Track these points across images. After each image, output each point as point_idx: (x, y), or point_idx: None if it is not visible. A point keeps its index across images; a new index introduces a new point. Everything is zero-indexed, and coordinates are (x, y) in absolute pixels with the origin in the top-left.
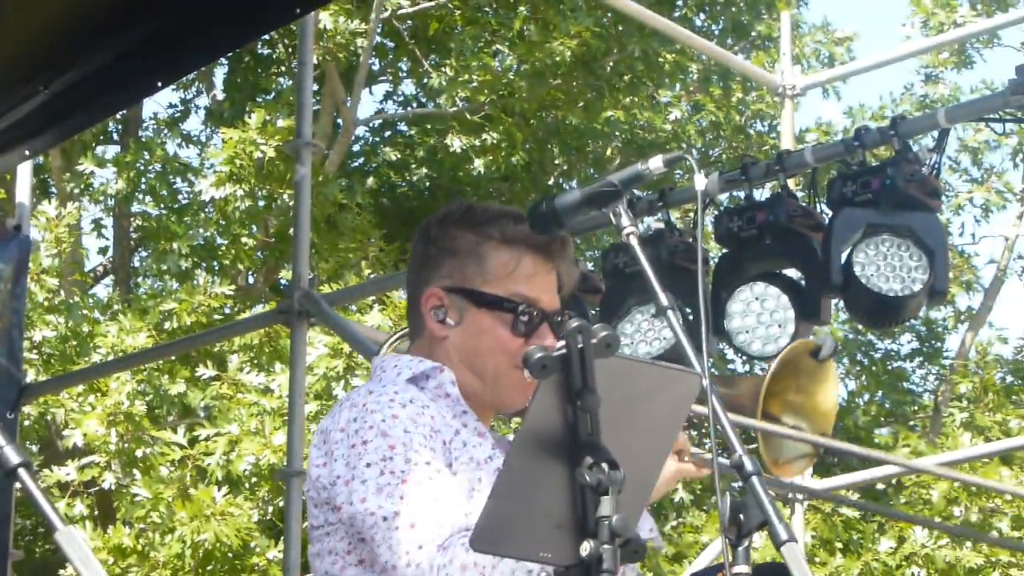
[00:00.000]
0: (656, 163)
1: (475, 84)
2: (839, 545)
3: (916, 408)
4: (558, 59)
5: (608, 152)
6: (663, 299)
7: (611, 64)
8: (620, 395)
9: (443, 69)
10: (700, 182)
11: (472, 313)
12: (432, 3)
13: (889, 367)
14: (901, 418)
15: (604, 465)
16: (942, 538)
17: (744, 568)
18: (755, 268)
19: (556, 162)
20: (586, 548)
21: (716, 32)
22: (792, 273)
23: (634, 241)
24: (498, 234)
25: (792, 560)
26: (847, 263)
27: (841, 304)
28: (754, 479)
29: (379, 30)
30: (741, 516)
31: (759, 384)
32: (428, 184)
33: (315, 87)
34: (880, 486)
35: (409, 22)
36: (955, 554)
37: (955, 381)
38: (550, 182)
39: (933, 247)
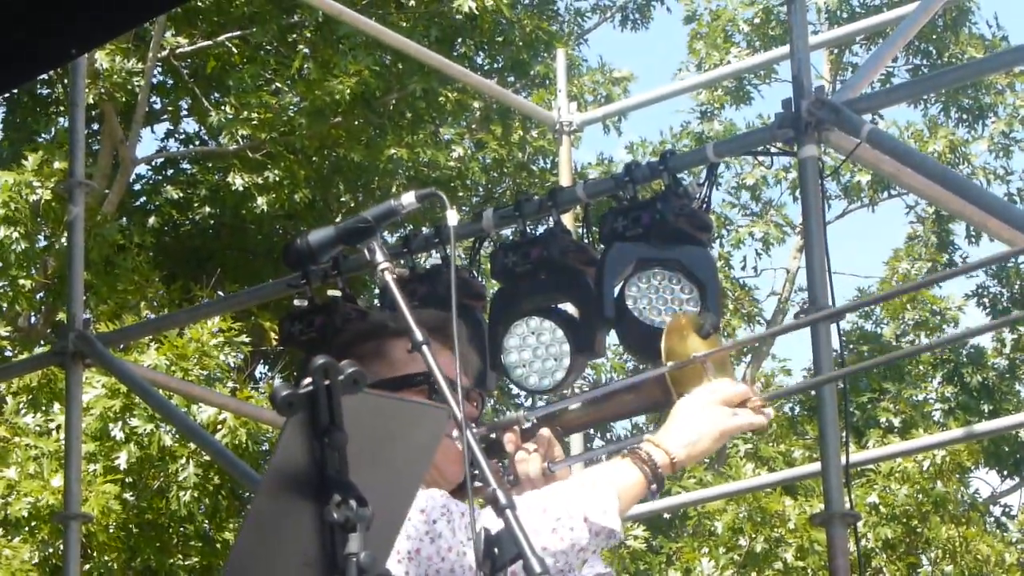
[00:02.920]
0: (409, 199)
1: (255, 122)
2: None
3: None
4: (338, 97)
5: (394, 189)
6: (417, 335)
7: (393, 102)
8: (368, 431)
9: (223, 107)
10: (452, 218)
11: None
12: (210, 42)
13: None
14: None
15: (352, 502)
16: (727, 569)
17: None
18: (531, 303)
19: (342, 199)
20: None
21: (496, 70)
22: (568, 307)
23: (388, 277)
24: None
25: None
26: (619, 297)
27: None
28: (508, 513)
29: (158, 68)
30: (495, 550)
31: (661, 378)
32: (212, 222)
33: (94, 127)
34: (666, 516)
35: (188, 60)
36: None
37: None
38: (337, 219)
39: (703, 280)
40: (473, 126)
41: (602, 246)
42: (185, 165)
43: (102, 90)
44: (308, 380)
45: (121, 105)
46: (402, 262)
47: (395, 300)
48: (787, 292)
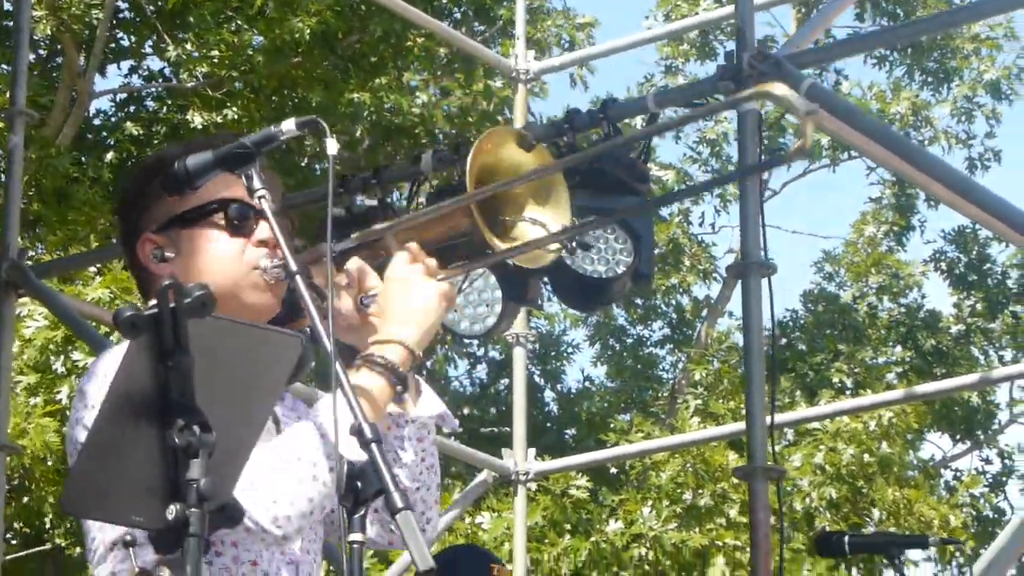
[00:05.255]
0: (288, 125)
1: (215, 60)
2: (568, 526)
3: (658, 395)
4: (297, 36)
5: (358, 133)
6: (292, 264)
7: (356, 45)
8: (216, 356)
9: (185, 45)
10: (331, 147)
11: (186, 237)
12: None
13: (640, 353)
14: (643, 404)
15: (195, 427)
16: (670, 521)
17: (359, 536)
18: (465, 248)
19: (306, 142)
20: (172, 511)
21: (462, 15)
22: None
23: (265, 205)
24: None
25: (406, 528)
26: None
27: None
28: (373, 446)
29: (124, 3)
30: (358, 484)
31: (465, 204)
32: None
33: (58, 60)
34: (612, 469)
35: None
36: (681, 536)
37: (691, 369)
38: (303, 163)
39: (639, 230)
40: (438, 73)
41: None
42: (150, 103)
43: (60, 21)
44: (153, 302)
45: (81, 38)
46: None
47: (272, 228)
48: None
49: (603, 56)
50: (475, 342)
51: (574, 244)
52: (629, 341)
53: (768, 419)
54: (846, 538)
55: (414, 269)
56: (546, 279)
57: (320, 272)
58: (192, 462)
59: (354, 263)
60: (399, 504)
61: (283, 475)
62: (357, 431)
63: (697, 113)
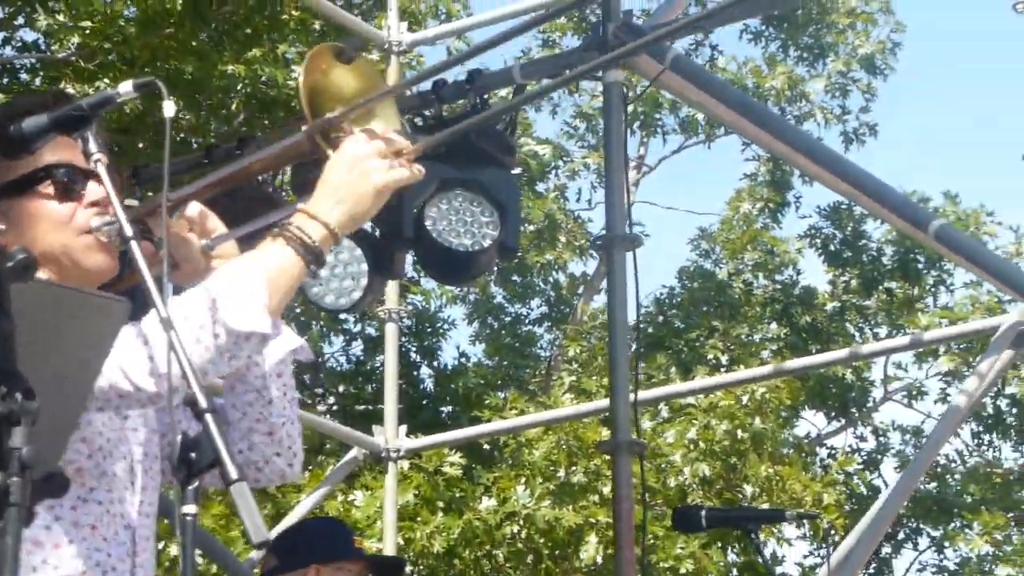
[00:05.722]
0: (126, 87)
1: (88, 31)
2: (441, 504)
3: (536, 373)
4: (169, 6)
5: (233, 107)
6: (128, 230)
7: (231, 17)
8: (39, 322)
9: (57, 15)
10: (168, 109)
11: (17, 207)
12: None
13: (518, 331)
14: (519, 382)
15: (17, 394)
16: (543, 499)
17: (192, 508)
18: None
19: (182, 116)
20: None
21: None
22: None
23: (101, 168)
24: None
25: (241, 500)
26: (419, 217)
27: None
28: (208, 416)
29: None
30: (192, 455)
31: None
32: None
33: None
34: (485, 446)
35: None
36: (555, 514)
37: (566, 345)
38: (180, 136)
39: (505, 203)
40: (314, 45)
41: None
42: (24, 75)
43: None
44: None
45: None
46: None
47: (107, 189)
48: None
49: (478, 28)
50: (350, 318)
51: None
52: (507, 319)
53: (632, 394)
54: (703, 512)
55: (369, 149)
56: (412, 252)
57: (158, 223)
58: (14, 430)
59: (194, 207)
60: (233, 476)
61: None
62: (191, 401)
63: (559, 82)
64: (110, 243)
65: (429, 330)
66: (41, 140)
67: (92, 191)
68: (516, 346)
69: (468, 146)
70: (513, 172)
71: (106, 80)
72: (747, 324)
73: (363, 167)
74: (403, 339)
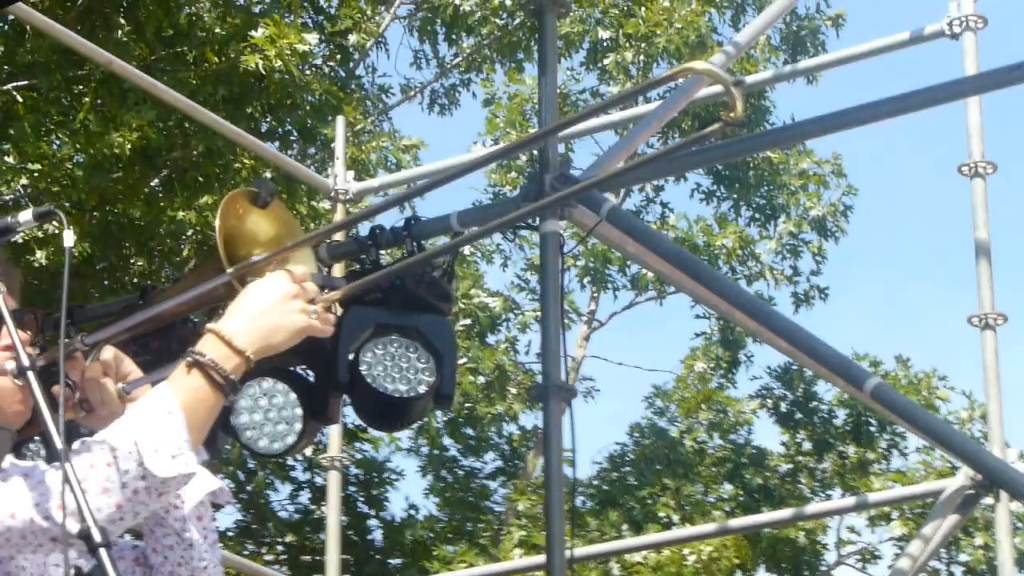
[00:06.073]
0: (26, 216)
1: (36, 173)
2: None
3: (489, 527)
4: (117, 151)
5: (185, 252)
6: (24, 359)
7: (180, 163)
8: None
9: (5, 157)
10: (68, 239)
11: None
12: None
13: (472, 485)
14: (470, 536)
15: None
16: None
17: None
18: (266, 363)
19: (134, 261)
20: None
21: (284, 134)
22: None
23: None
24: None
25: None
26: (354, 362)
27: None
28: (102, 551)
29: None
30: None
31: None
32: None
33: None
34: None
35: None
36: None
37: (514, 499)
38: (134, 281)
39: (441, 350)
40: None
41: (340, 309)
42: None
43: None
44: None
45: None
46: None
47: (4, 317)
48: (572, 379)
49: (425, 178)
50: (298, 466)
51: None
52: (461, 473)
53: (568, 550)
54: None
55: (290, 289)
56: (347, 397)
57: (74, 366)
58: None
59: (108, 351)
60: None
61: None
62: (85, 535)
63: (493, 227)
64: (25, 387)
65: (377, 480)
66: None
67: (6, 334)
68: (469, 500)
69: (404, 292)
70: (449, 319)
71: (54, 224)
72: (700, 483)
73: (287, 305)
74: (351, 489)
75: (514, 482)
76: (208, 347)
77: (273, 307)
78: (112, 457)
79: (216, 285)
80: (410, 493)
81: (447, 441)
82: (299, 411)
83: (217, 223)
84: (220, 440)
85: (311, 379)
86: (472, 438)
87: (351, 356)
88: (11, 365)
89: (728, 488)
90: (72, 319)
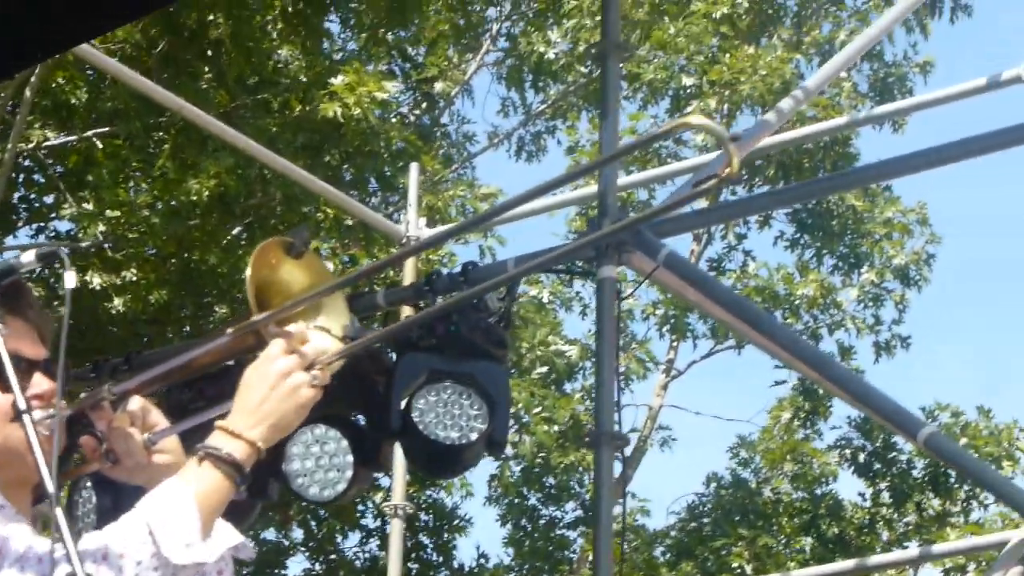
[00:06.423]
0: (28, 257)
1: (113, 220)
2: None
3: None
4: (195, 198)
5: None
6: (21, 402)
7: (259, 210)
8: None
9: (85, 204)
10: (69, 280)
11: None
12: (74, 137)
13: (552, 535)
14: None
15: None
16: None
17: None
18: (319, 410)
19: (216, 308)
20: None
21: (362, 180)
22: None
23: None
24: None
25: None
26: (407, 408)
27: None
28: None
29: (25, 162)
30: None
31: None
32: (70, 322)
33: None
34: None
35: (47, 153)
36: None
37: (587, 549)
38: (209, 326)
39: (495, 396)
40: (347, 240)
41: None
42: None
43: None
44: None
45: None
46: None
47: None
48: (648, 429)
49: (488, 224)
50: (369, 514)
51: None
52: (541, 523)
53: None
54: None
55: (284, 366)
56: (399, 444)
57: (101, 416)
58: None
59: (136, 402)
60: None
61: None
62: None
63: (541, 267)
64: (52, 436)
65: (447, 526)
66: None
67: (37, 383)
68: (549, 549)
69: (459, 338)
70: (504, 366)
71: (132, 270)
72: (777, 534)
73: (284, 386)
74: (419, 535)
75: (588, 531)
76: (219, 440)
77: (271, 393)
78: (126, 546)
79: (246, 336)
80: (480, 541)
81: (526, 490)
82: (350, 458)
83: (248, 272)
84: (272, 487)
85: (363, 425)
86: (551, 487)
87: (404, 403)
88: (38, 414)
89: (806, 540)
90: (129, 365)
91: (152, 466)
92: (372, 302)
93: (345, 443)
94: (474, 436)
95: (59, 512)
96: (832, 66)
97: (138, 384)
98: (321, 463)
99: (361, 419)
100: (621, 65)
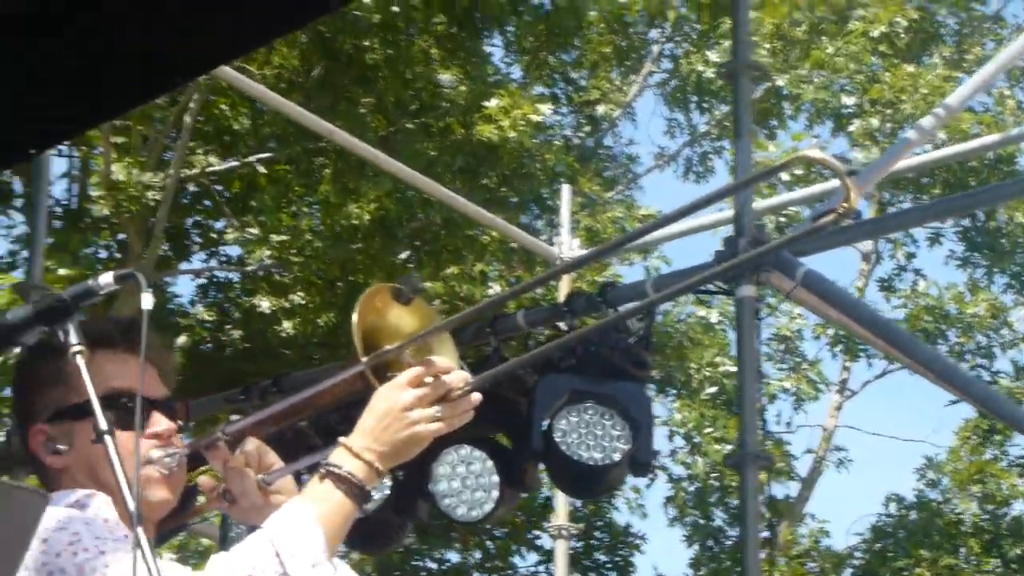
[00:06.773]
0: (106, 279)
1: (276, 244)
2: None
3: None
4: (356, 222)
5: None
6: (102, 423)
7: (420, 232)
8: None
9: (249, 229)
10: (146, 301)
11: (79, 429)
12: (237, 162)
13: (739, 555)
14: None
15: None
16: None
17: None
18: (463, 431)
19: None
20: None
21: (519, 202)
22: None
23: (80, 361)
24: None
25: None
26: (549, 430)
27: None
28: None
29: (191, 188)
30: None
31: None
32: (246, 345)
33: (116, 239)
34: None
35: (210, 178)
36: None
37: (766, 571)
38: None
39: (638, 417)
40: (513, 262)
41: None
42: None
43: (119, 202)
44: None
45: (139, 221)
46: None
47: (86, 385)
48: (823, 450)
49: (632, 245)
50: (543, 533)
51: None
52: (727, 543)
53: None
54: None
55: (411, 398)
56: (543, 464)
57: (216, 456)
58: None
59: (252, 443)
60: None
61: None
62: None
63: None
64: (171, 475)
65: (621, 545)
66: (25, 333)
67: (156, 422)
68: (737, 571)
69: (599, 359)
70: (645, 386)
71: (299, 294)
72: (959, 554)
73: (404, 419)
74: (594, 554)
75: (767, 551)
76: (341, 459)
77: (393, 423)
78: (253, 567)
79: (355, 380)
80: (655, 559)
81: (713, 509)
82: (496, 478)
83: (354, 316)
84: (420, 507)
85: (508, 446)
86: (734, 508)
87: (546, 424)
88: (156, 453)
89: (992, 561)
90: (278, 387)
91: (269, 506)
92: (513, 323)
93: (490, 463)
94: (617, 456)
95: (140, 531)
96: (973, 84)
97: (249, 424)
98: (468, 483)
99: (500, 438)
100: (770, 84)
